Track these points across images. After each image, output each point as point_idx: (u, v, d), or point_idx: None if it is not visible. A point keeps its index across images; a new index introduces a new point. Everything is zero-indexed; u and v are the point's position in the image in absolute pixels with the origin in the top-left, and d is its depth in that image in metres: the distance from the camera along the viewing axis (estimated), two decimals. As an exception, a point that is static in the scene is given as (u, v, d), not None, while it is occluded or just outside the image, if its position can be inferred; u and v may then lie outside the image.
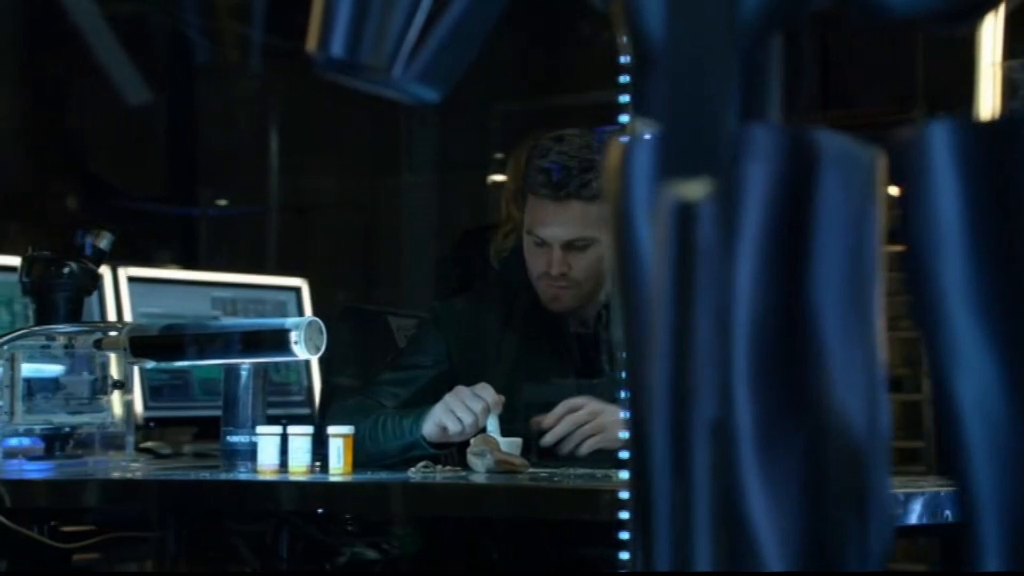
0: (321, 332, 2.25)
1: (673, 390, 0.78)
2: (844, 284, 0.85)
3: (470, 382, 2.58)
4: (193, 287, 3.95)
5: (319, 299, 4.07)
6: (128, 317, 3.64)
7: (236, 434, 2.44)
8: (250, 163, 6.01)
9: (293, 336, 2.22)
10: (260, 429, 2.43)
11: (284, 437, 2.42)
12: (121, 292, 3.69)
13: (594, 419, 2.44)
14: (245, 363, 2.30)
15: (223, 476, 2.36)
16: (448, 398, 2.50)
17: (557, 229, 2.54)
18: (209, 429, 3.59)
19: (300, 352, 2.23)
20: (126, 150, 5.94)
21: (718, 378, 0.77)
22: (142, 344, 2.36)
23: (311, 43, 1.12)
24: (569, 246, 2.55)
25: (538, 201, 2.55)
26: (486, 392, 2.47)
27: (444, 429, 2.49)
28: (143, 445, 3.21)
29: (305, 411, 3.91)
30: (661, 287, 0.80)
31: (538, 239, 2.57)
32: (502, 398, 2.48)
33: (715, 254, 0.77)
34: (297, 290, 4.08)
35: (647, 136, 0.88)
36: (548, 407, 2.52)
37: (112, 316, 3.61)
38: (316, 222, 6.18)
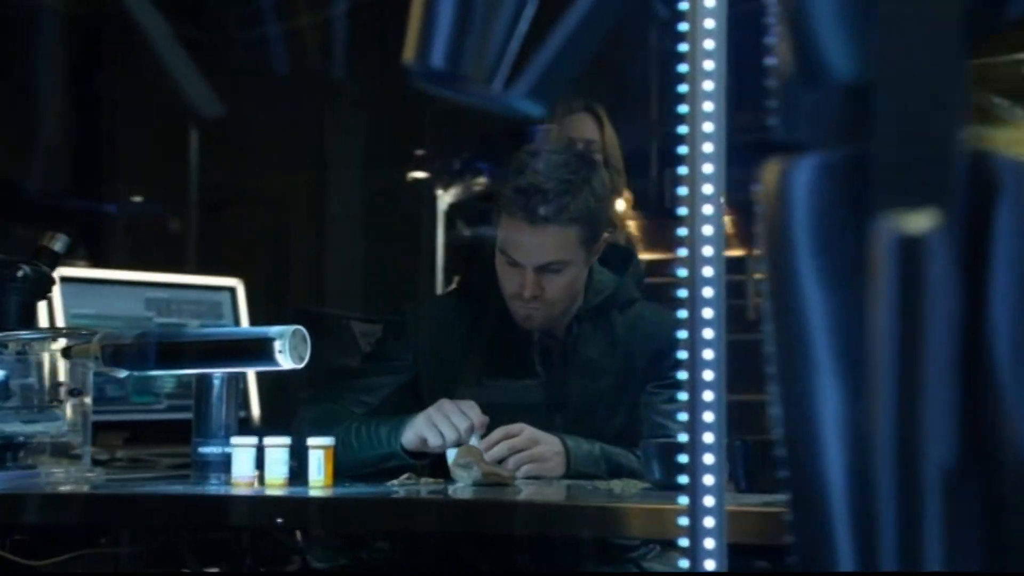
0: (305, 341, 2.18)
1: (899, 436, 0.74)
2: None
3: (435, 390, 2.53)
4: (126, 287, 3.83)
5: (256, 300, 3.97)
6: (60, 318, 3.52)
7: (208, 445, 2.36)
8: (167, 159, 5.87)
9: (277, 345, 2.14)
10: (235, 440, 2.36)
11: (259, 448, 2.34)
12: (53, 292, 3.56)
13: (532, 446, 2.40)
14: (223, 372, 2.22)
15: (208, 490, 2.28)
16: (432, 412, 2.44)
17: (532, 253, 2.50)
18: (141, 434, 3.49)
19: (285, 361, 2.15)
20: (32, 145, 5.77)
21: (946, 423, 0.73)
22: (117, 353, 2.26)
23: (409, 53, 1.06)
24: (543, 269, 2.51)
25: (513, 222, 2.50)
26: (472, 411, 2.42)
27: (425, 442, 2.44)
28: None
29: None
30: (881, 326, 0.75)
31: (511, 260, 2.52)
32: (486, 419, 2.44)
33: (949, 291, 0.73)
34: (232, 290, 3.98)
35: (808, 158, 0.84)
36: (513, 418, 2.47)
37: (44, 317, 3.48)
38: (235, 219, 6.06)
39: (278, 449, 2.33)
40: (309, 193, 6.00)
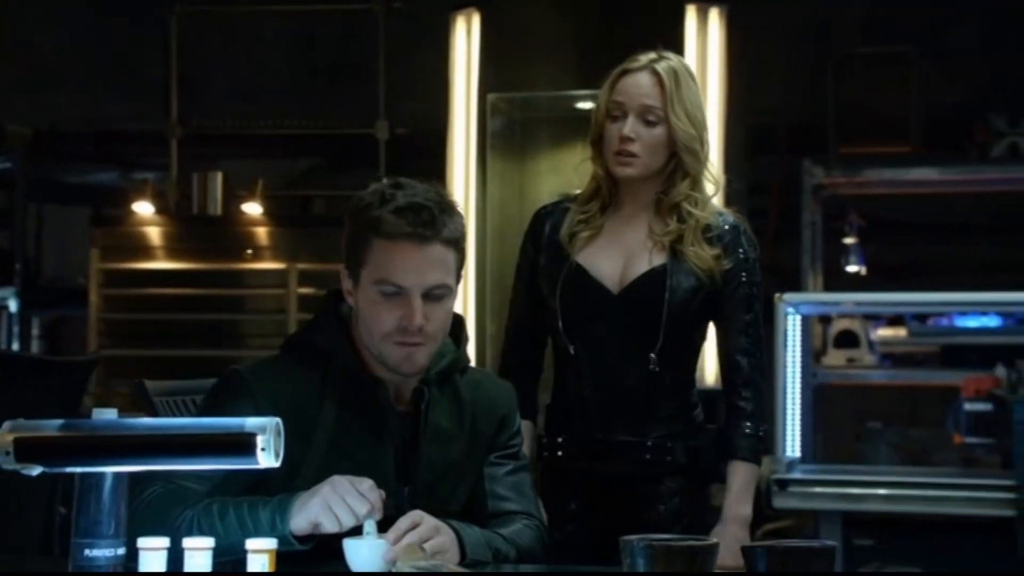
0: (280, 434, 1.88)
1: None
2: None
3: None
4: None
5: None
6: None
7: (98, 547, 1.97)
8: None
9: (260, 441, 1.83)
10: (143, 542, 1.99)
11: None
12: None
13: (435, 535, 2.25)
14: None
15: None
16: (327, 493, 2.19)
17: (421, 273, 2.33)
18: None
19: (266, 460, 1.84)
20: None
21: None
22: (37, 447, 1.82)
23: None
24: (428, 295, 2.35)
25: (393, 245, 2.32)
26: (372, 493, 2.20)
27: (318, 527, 2.20)
28: None
29: None
30: None
31: (393, 288, 2.33)
32: (384, 496, 2.23)
33: None
34: None
35: None
36: None
37: None
38: None
39: (200, 553, 1.99)
40: None
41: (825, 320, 6.54)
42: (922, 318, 6.71)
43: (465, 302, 5.36)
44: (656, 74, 2.85)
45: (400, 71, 6.34)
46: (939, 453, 6.56)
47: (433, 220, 2.33)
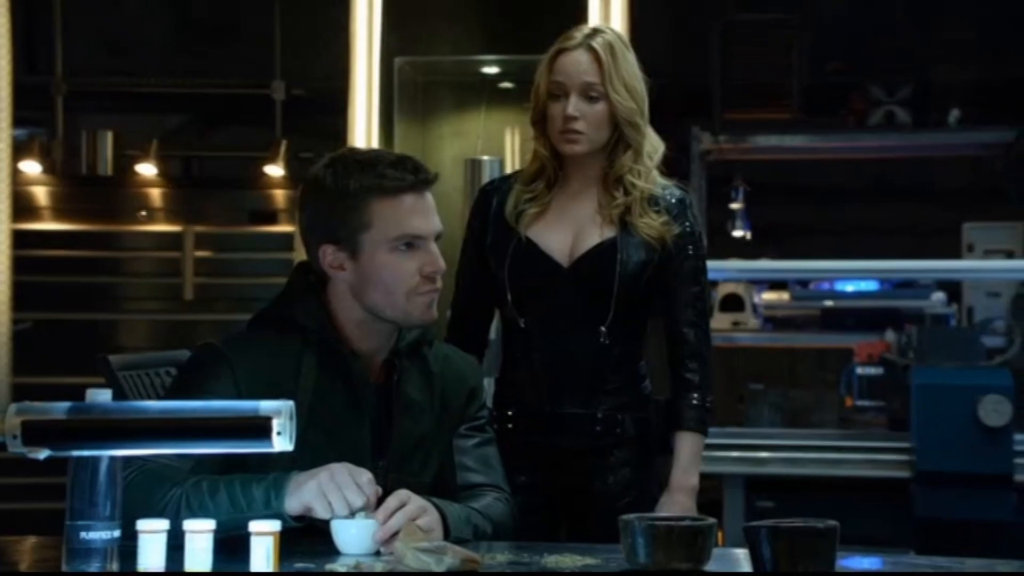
0: (292, 418, 1.87)
1: None
2: None
3: None
4: None
5: None
6: None
7: (94, 530, 1.94)
8: None
9: (276, 424, 1.81)
10: (143, 524, 1.96)
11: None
12: None
13: (423, 515, 2.26)
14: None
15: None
16: (325, 480, 2.18)
17: (428, 221, 2.41)
18: None
19: (281, 444, 1.82)
20: None
21: None
22: (45, 431, 1.77)
23: None
24: (436, 240, 2.43)
25: (400, 199, 2.37)
26: (369, 486, 2.20)
27: (309, 511, 2.19)
28: None
29: None
30: None
31: (411, 240, 2.37)
32: (380, 491, 2.23)
33: None
34: None
35: None
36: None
37: None
38: None
39: (201, 536, 1.97)
40: None
41: (711, 284, 6.67)
42: (804, 283, 6.88)
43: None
44: (593, 51, 2.88)
45: (299, 30, 6.26)
46: (818, 414, 6.74)
47: (421, 167, 2.40)
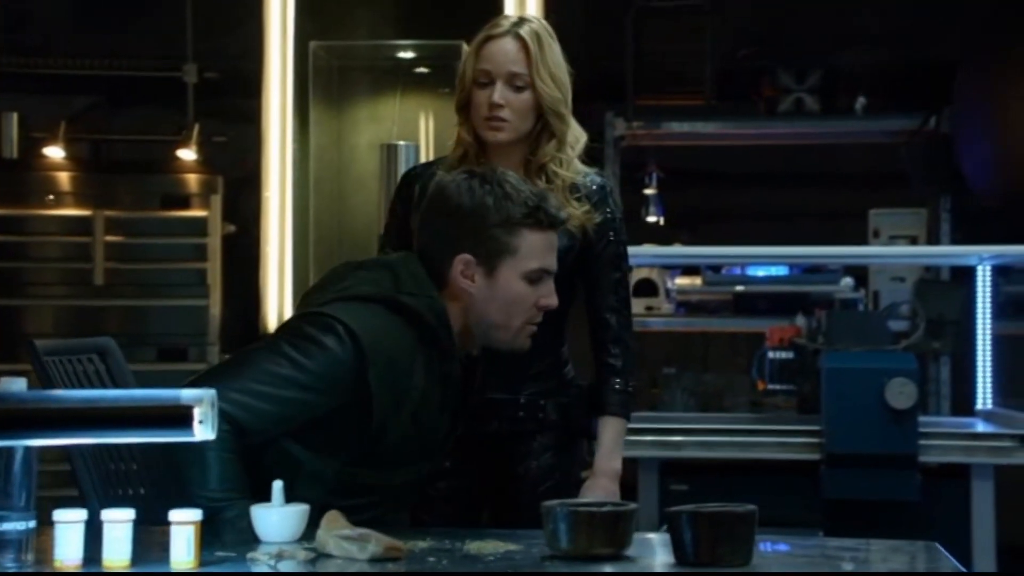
0: (213, 407, 1.85)
1: None
2: None
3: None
4: None
5: None
6: None
7: (10, 520, 1.91)
8: None
9: (197, 413, 1.79)
10: (59, 515, 1.94)
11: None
12: None
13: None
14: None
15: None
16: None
17: (556, 258, 2.63)
18: None
19: (203, 432, 1.81)
20: None
21: None
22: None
23: None
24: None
25: (545, 235, 2.59)
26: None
27: None
28: None
29: None
30: None
31: (543, 272, 2.60)
32: None
33: None
34: None
35: None
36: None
37: None
38: None
39: (119, 526, 1.95)
40: None
41: (625, 269, 6.69)
42: (716, 268, 6.95)
43: (282, 249, 5.31)
44: (520, 39, 2.88)
45: (211, 9, 6.18)
46: (731, 397, 6.82)
47: (550, 205, 2.59)
